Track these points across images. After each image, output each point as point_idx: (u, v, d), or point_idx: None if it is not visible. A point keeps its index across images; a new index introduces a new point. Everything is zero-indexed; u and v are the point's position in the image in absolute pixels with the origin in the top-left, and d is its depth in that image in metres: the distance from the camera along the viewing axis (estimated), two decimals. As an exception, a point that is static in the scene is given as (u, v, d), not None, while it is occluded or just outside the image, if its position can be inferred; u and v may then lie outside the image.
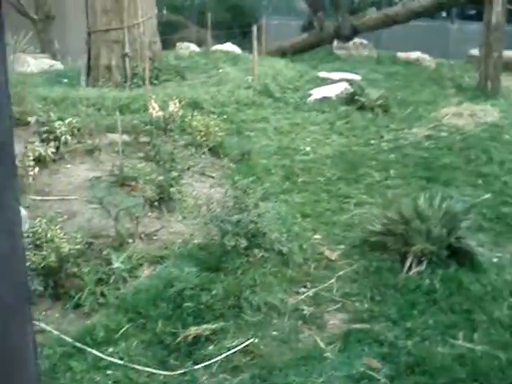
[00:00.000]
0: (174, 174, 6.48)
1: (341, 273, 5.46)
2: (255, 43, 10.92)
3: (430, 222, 5.57)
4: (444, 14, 18.19)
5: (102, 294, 5.05)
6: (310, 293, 5.18)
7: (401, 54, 14.11)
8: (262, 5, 19.19)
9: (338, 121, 9.43)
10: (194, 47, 14.62)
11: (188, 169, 7.18)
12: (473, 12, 17.32)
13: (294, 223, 6.10)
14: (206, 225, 5.43)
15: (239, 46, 14.43)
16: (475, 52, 13.37)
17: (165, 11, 19.46)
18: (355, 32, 14.35)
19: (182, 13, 19.36)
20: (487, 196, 7.11)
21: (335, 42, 14.41)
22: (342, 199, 6.97)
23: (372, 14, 14.94)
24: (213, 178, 7.28)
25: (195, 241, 5.67)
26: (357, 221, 6.40)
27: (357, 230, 6.17)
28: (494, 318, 4.85)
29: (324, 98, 10.18)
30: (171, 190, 6.31)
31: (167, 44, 13.88)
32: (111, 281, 5.17)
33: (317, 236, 6.07)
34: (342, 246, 5.91)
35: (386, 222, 5.67)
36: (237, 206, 5.27)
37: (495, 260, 6.11)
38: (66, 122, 7.54)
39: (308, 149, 8.34)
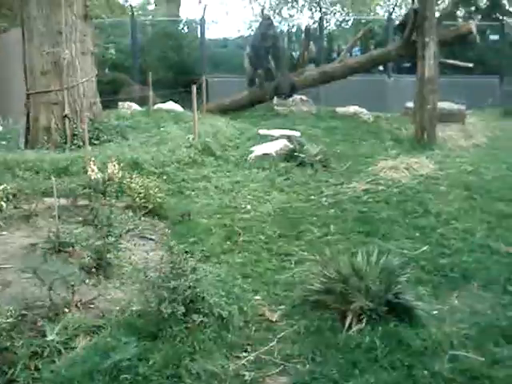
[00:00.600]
0: (112, 238, 6.38)
1: (282, 334, 5.40)
2: (195, 102, 11.02)
3: (368, 279, 5.60)
4: (381, 67, 18.84)
5: (37, 369, 4.85)
6: (251, 357, 5.09)
7: (340, 109, 14.48)
8: (203, 63, 19.43)
9: (279, 177, 9.52)
10: (136, 106, 14.67)
11: (127, 232, 7.09)
12: (408, 65, 17.97)
13: (235, 285, 6.04)
14: (142, 292, 5.32)
15: (181, 104, 14.56)
16: (411, 104, 13.82)
17: (107, 70, 19.54)
18: (294, 89, 14.66)
19: (124, 71, 19.45)
20: (425, 248, 7.23)
21: (275, 99, 14.68)
22: (282, 257, 6.97)
23: (310, 71, 15.31)
24: (152, 240, 7.20)
25: (133, 308, 5.53)
26: (298, 279, 6.39)
27: (297, 288, 6.15)
28: (435, 372, 4.86)
29: (264, 155, 10.30)
30: (108, 255, 6.20)
31: (110, 103, 13.89)
32: (46, 354, 4.97)
33: (257, 297, 6.02)
34: (283, 307, 5.87)
35: (325, 281, 5.68)
36: (174, 272, 5.19)
37: (435, 312, 6.17)
38: (1, 187, 7.38)
39: (249, 207, 8.36)
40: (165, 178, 8.85)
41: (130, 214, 7.38)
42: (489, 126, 14.64)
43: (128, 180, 8.07)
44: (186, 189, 8.83)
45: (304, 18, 25.37)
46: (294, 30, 23.06)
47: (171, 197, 8.37)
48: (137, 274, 5.95)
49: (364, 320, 5.35)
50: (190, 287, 5.13)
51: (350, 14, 23.96)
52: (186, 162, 9.79)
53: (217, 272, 6.18)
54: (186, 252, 6.41)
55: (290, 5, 25.68)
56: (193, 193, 8.73)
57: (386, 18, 21.85)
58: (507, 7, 27.76)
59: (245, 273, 6.50)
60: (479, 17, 25.98)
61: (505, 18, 24.97)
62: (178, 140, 10.63)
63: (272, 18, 18.22)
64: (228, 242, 7.25)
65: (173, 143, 10.40)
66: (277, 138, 11.16)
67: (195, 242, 7.10)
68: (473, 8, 26.75)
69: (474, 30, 13.46)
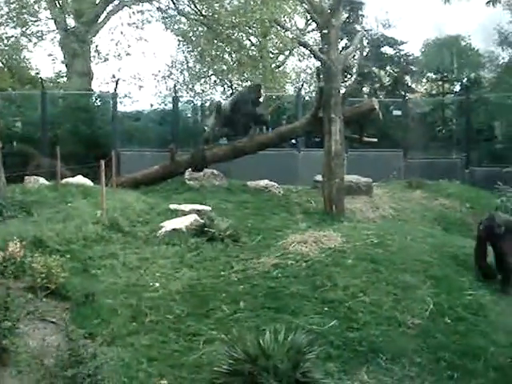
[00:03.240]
0: (8, 323, 6.02)
1: (186, 421, 5.21)
2: (103, 176, 10.85)
3: (276, 358, 5.54)
4: (293, 141, 19.32)
5: None
6: None
7: (251, 183, 14.64)
8: (115, 136, 19.33)
9: (189, 253, 9.40)
10: (43, 180, 14.28)
11: (26, 315, 6.72)
12: (318, 139, 18.53)
13: (139, 369, 5.82)
14: (38, 382, 5.01)
15: (92, 178, 14.30)
16: (320, 178, 14.16)
17: (15, 143, 19.05)
18: (206, 163, 14.77)
19: (34, 145, 19.00)
20: (333, 323, 7.26)
21: (187, 173, 14.71)
22: (190, 337, 6.80)
23: (222, 146, 15.52)
24: (53, 323, 6.84)
25: (29, 399, 5.20)
26: (206, 361, 6.24)
27: (205, 371, 6.00)
28: None
29: (174, 230, 10.17)
30: (4, 341, 5.83)
31: (16, 178, 13.47)
32: None
33: (163, 382, 5.81)
34: (190, 391, 5.69)
35: (232, 362, 5.56)
36: (72, 359, 4.93)
37: (345, 389, 6.16)
38: None
39: (157, 284, 8.16)
40: (69, 256, 8.50)
41: (30, 295, 7.01)
42: (394, 198, 15.18)
43: (30, 259, 7.71)
44: (91, 267, 8.53)
45: (217, 94, 25.95)
46: (206, 104, 23.39)
47: (76, 276, 8.04)
48: (34, 362, 5.61)
49: (272, 402, 5.25)
50: (89, 375, 4.89)
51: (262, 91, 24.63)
52: (92, 239, 9.50)
53: (121, 356, 5.95)
54: (89, 335, 6.16)
55: (202, 80, 26.21)
56: (99, 271, 8.44)
57: (295, 94, 22.60)
58: (409, 84, 29.54)
59: (151, 355, 6.28)
60: (383, 93, 27.46)
61: (407, 94, 26.48)
62: (86, 216, 10.34)
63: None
64: (134, 323, 7.02)
65: (80, 219, 10.10)
66: (187, 213, 11.09)
67: (99, 324, 6.83)
68: (377, 85, 28.25)
69: (377, 106, 14.11)
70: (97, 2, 23.47)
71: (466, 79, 28.73)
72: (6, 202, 11.02)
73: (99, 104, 22.18)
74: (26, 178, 14.22)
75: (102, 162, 11.02)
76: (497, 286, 8.77)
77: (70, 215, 10.49)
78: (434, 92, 30.42)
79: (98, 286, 7.85)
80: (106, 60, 25.12)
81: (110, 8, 23.83)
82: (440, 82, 30.18)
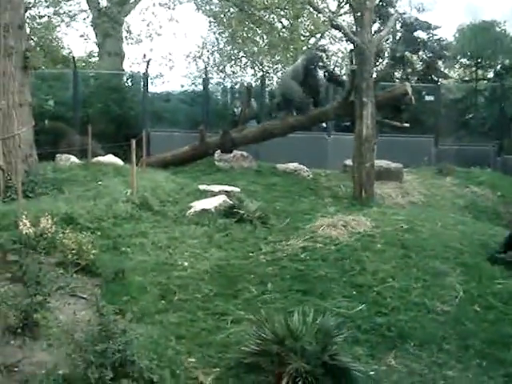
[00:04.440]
0: (40, 297, 6.11)
1: (215, 399, 5.24)
2: (134, 156, 10.91)
3: (304, 340, 5.53)
4: (324, 125, 19.19)
5: None
6: (181, 424, 4.91)
7: (280, 166, 14.60)
8: (146, 116, 19.40)
9: (217, 234, 9.43)
10: (74, 159, 14.41)
11: (57, 290, 6.82)
12: (348, 124, 18.38)
13: (168, 347, 5.86)
14: (69, 355, 5.08)
15: (123, 157, 14.39)
16: (350, 162, 14.06)
17: (47, 121, 19.23)
18: (235, 145, 14.75)
19: (66, 123, 19.18)
20: (362, 307, 7.24)
21: (216, 154, 14.72)
22: (218, 317, 6.83)
23: (251, 128, 15.47)
24: (84, 299, 6.93)
25: (60, 372, 5.27)
26: (233, 340, 6.26)
27: (233, 350, 6.02)
28: None
29: (203, 210, 10.21)
30: (35, 315, 5.92)
31: (48, 155, 13.62)
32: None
33: (191, 359, 5.84)
34: (217, 369, 5.72)
35: (260, 342, 5.57)
36: (103, 334, 4.98)
37: (372, 373, 6.14)
38: None
39: (186, 264, 8.21)
40: (99, 233, 8.61)
41: (61, 271, 7.11)
42: (425, 184, 15.02)
43: (61, 235, 7.82)
44: (121, 245, 8.60)
45: (247, 76, 25.85)
46: (237, 86, 23.33)
47: (106, 253, 8.13)
48: (65, 336, 5.68)
49: (300, 383, 5.25)
50: (119, 350, 4.93)
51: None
52: (122, 217, 9.56)
53: (150, 333, 6.00)
54: (118, 312, 6.21)
55: (233, 62, 26.13)
56: (128, 249, 8.51)
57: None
58: (442, 69, 29.08)
59: (179, 334, 6.32)
60: (415, 78, 27.08)
61: (440, 79, 26.08)
62: (116, 194, 10.42)
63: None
64: (163, 301, 7.08)
65: (110, 197, 10.18)
66: (216, 194, 11.11)
67: (128, 301, 6.89)
68: (409, 70, 27.85)
69: (410, 91, 13.91)
70: (129, -18, 23.50)
71: (500, 66, 28.16)
72: (38, 179, 11.17)
73: (130, 84, 22.26)
74: (58, 155, 14.36)
75: (133, 142, 11.08)
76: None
77: (101, 193, 10.59)
78: (467, 78, 29.89)
79: (128, 263, 7.91)
80: (138, 41, 25.18)
81: (142, -12, 23.86)
82: (473, 68, 29.63)
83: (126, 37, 24.85)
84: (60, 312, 6.38)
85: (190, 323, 6.60)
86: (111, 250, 8.39)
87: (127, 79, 22.52)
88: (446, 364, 6.58)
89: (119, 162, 13.97)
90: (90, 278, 7.44)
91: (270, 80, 24.26)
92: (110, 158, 14.14)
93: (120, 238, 8.83)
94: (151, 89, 21.32)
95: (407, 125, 14.57)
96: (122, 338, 5.03)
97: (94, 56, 27.19)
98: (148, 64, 20.27)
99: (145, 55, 24.44)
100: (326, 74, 14.55)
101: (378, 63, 23.02)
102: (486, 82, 27.84)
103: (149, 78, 20.51)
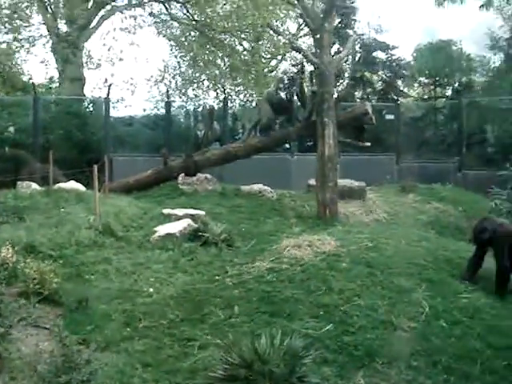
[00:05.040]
0: (1, 329, 5.96)
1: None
2: (96, 181, 10.80)
3: (272, 363, 5.49)
4: (287, 145, 19.30)
5: None
6: None
7: (244, 187, 14.59)
8: (108, 141, 19.25)
9: (183, 258, 9.36)
10: (35, 186, 14.17)
11: (19, 321, 6.66)
12: (311, 144, 18.52)
13: (134, 375, 5.77)
14: (32, 388, 4.96)
15: (85, 183, 14.21)
16: (313, 182, 14.13)
17: (7, 148, 18.93)
18: (199, 167, 14.71)
19: (26, 150, 18.90)
20: (329, 327, 7.23)
21: (180, 178, 14.65)
22: (185, 343, 6.75)
23: (214, 150, 15.47)
24: (47, 329, 6.77)
25: (22, 405, 5.14)
26: (201, 366, 6.19)
27: (200, 376, 5.95)
28: None
29: (168, 235, 10.13)
30: (-3, 348, 5.77)
31: (9, 183, 13.38)
32: None
33: (158, 387, 5.75)
34: (185, 396, 5.63)
35: (228, 367, 5.51)
36: (66, 365, 4.87)
37: (337, 394, 6.12)
38: None
39: (151, 290, 8.12)
40: (62, 261, 8.47)
41: (23, 301, 6.94)
42: (388, 202, 15.18)
43: (22, 264, 7.66)
44: (84, 273, 8.47)
45: (210, 99, 25.83)
46: (200, 109, 23.34)
47: (68, 281, 7.99)
48: (27, 368, 5.55)
49: (268, 407, 5.20)
50: (83, 381, 4.84)
51: (254, 95, 24.62)
52: (85, 244, 9.43)
53: (115, 362, 5.90)
54: (82, 341, 6.10)
55: (195, 85, 26.11)
56: (92, 277, 8.39)
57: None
58: (402, 88, 29.62)
59: (145, 361, 6.22)
60: (376, 97, 27.52)
61: (399, 98, 26.54)
62: (78, 221, 10.28)
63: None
64: (128, 329, 6.97)
65: (72, 224, 10.03)
66: (181, 218, 11.04)
67: (92, 330, 6.78)
68: (369, 89, 28.31)
69: (370, 110, 14.12)
70: (89, 7, 23.38)
71: (457, 83, 28.83)
72: (-1, 208, 10.96)
73: (92, 109, 22.09)
74: (19, 183, 14.11)
75: (95, 167, 10.97)
76: (492, 289, 8.74)
77: (63, 220, 10.43)
78: (425, 96, 30.50)
79: (92, 291, 7.79)
80: (98, 66, 24.99)
81: (102, 13, 23.73)
82: (432, 87, 30.26)
83: (86, 62, 24.63)
84: (22, 343, 6.22)
85: (156, 350, 6.51)
86: (74, 279, 8.25)
87: (88, 104, 22.34)
88: (415, 381, 6.60)
89: (81, 188, 13.78)
90: (52, 308, 7.30)
91: (232, 102, 24.32)
92: (72, 185, 13.94)
93: (83, 266, 8.70)
94: (113, 113, 21.25)
95: (368, 144, 14.75)
96: (86, 368, 4.93)
97: (54, 82, 26.89)
98: (109, 89, 20.19)
99: (106, 80, 24.24)
100: (274, 103, 14.86)
101: (338, 84, 23.34)
102: (444, 99, 28.44)
103: (110, 103, 20.42)
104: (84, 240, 9.55)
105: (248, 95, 25.23)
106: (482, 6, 22.78)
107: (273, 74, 26.58)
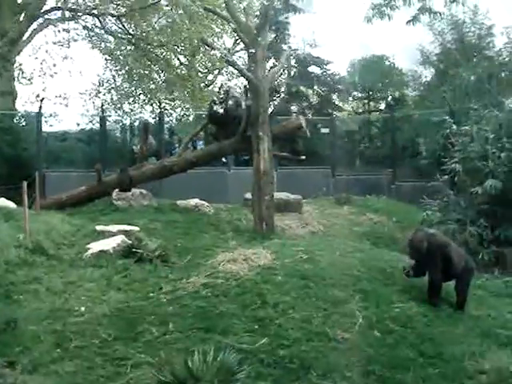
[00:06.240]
0: None
1: None
2: (25, 198, 10.52)
3: (205, 380, 5.44)
4: (224, 159, 19.31)
5: None
6: None
7: (180, 202, 14.50)
8: (39, 156, 18.81)
9: (116, 275, 9.16)
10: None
11: None
12: (247, 158, 18.59)
13: (63, 398, 5.59)
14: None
15: (16, 201, 13.80)
16: (250, 195, 14.16)
17: None
18: (133, 183, 14.53)
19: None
20: (264, 341, 7.21)
21: (114, 193, 14.42)
22: (117, 362, 6.60)
23: (150, 165, 15.33)
24: (-28, 353, 6.53)
25: None
26: (133, 386, 6.06)
27: (132, 396, 5.82)
28: None
29: (101, 252, 9.91)
30: None
31: None
32: None
33: (88, 409, 5.60)
34: (116, 418, 5.50)
35: (159, 386, 5.43)
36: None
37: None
38: None
39: (83, 309, 7.90)
40: (-11, 283, 8.20)
41: None
42: (324, 214, 15.38)
43: None
44: (13, 293, 8.20)
45: (146, 113, 25.63)
46: (136, 124, 23.13)
47: (-4, 303, 7.72)
48: None
49: (201, 425, 5.14)
50: (7, 407, 4.64)
51: (191, 110, 24.59)
52: (15, 263, 9.13)
53: (43, 384, 5.70)
54: (9, 364, 5.89)
55: (131, 99, 25.86)
56: (21, 297, 8.12)
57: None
58: (337, 102, 30.21)
59: (75, 383, 6.09)
60: (311, 111, 27.96)
61: (334, 112, 27.05)
62: (7, 239, 9.94)
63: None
64: (58, 350, 6.76)
65: (1, 243, 9.69)
66: (115, 234, 10.85)
67: (20, 352, 6.55)
68: (305, 103, 28.74)
69: (304, 124, 14.28)
70: (20, 20, 22.86)
71: (390, 97, 29.61)
72: None
73: (23, 124, 21.56)
74: None
75: (25, 184, 10.69)
76: (424, 298, 8.92)
77: (-9, 241, 10.09)
78: (360, 110, 31.20)
79: (21, 312, 7.54)
80: (30, 79, 24.43)
81: (34, 26, 23.25)
82: (366, 101, 30.98)
83: (18, 76, 24.04)
84: None
85: (87, 371, 6.34)
86: (3, 299, 7.98)
87: (20, 119, 21.79)
88: (349, 392, 6.65)
89: (11, 205, 13.38)
90: (-22, 331, 7.02)
91: (168, 117, 24.23)
92: (2, 202, 13.52)
93: (12, 286, 8.43)
94: (46, 128, 20.83)
95: (303, 157, 14.92)
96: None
97: (-17, 96, 26.11)
98: (41, 103, 19.80)
99: (38, 95, 23.70)
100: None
101: (274, 98, 23.61)
102: (378, 113, 29.15)
103: (43, 118, 20.00)
104: (13, 259, 9.26)
105: (184, 109, 25.27)
106: (409, 21, 23.47)
107: (210, 88, 26.67)
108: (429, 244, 8.95)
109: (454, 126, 14.70)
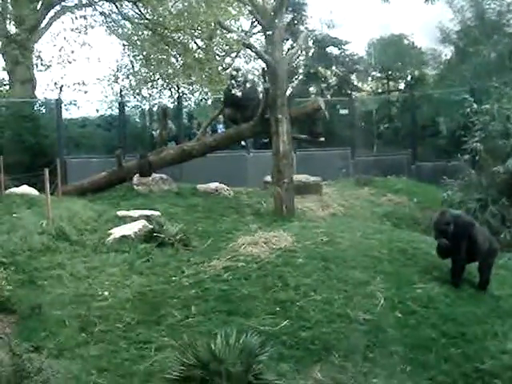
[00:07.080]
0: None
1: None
2: (47, 185, 10.63)
3: (228, 362, 5.50)
4: (243, 143, 19.29)
5: None
6: None
7: (200, 186, 14.51)
8: (60, 143, 18.94)
9: (138, 260, 9.26)
10: (-15, 192, 13.84)
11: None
12: (266, 140, 18.55)
13: (89, 381, 5.71)
14: (-19, 399, 4.85)
15: (39, 187, 13.95)
16: (270, 178, 14.16)
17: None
18: (154, 168, 14.57)
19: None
20: (285, 323, 7.27)
21: (135, 178, 14.48)
22: (141, 345, 6.71)
23: (169, 150, 15.34)
24: (0, 338, 6.65)
25: (-28, 418, 5.02)
26: (157, 368, 6.16)
27: (157, 378, 5.92)
28: None
29: (123, 237, 10.01)
30: None
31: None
32: None
33: (113, 392, 5.70)
34: (141, 400, 5.60)
35: (183, 369, 5.49)
36: (17, 374, 4.78)
37: (298, 388, 6.17)
38: None
39: (106, 293, 8.03)
40: (14, 268, 8.32)
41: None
42: (344, 196, 15.31)
43: (-29, 273, 7.51)
44: (38, 279, 8.34)
45: (164, 98, 25.69)
46: (154, 109, 23.15)
47: (21, 288, 7.87)
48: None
49: (226, 406, 5.21)
50: (35, 390, 4.75)
51: (209, 93, 24.57)
52: (38, 250, 9.28)
53: (69, 368, 5.82)
54: (35, 349, 6.00)
55: (149, 85, 25.93)
56: (45, 282, 8.26)
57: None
58: (355, 83, 29.97)
59: (100, 366, 6.17)
60: (330, 92, 27.76)
61: (353, 93, 26.82)
62: (31, 226, 10.08)
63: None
64: (82, 334, 6.89)
65: (24, 230, 9.84)
66: (136, 219, 10.93)
67: (46, 337, 6.68)
68: (324, 85, 28.54)
69: (323, 106, 14.18)
70: (38, 8, 22.95)
71: (409, 77, 29.26)
72: None
73: (43, 111, 21.70)
74: (-32, 190, 13.76)
75: (46, 171, 10.79)
76: (446, 278, 8.89)
77: (15, 226, 10.22)
78: (379, 90, 30.90)
79: (45, 297, 7.69)
80: (48, 67, 24.59)
81: (51, 14, 23.33)
82: (385, 81, 30.67)
83: (36, 63, 24.20)
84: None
85: (111, 354, 6.45)
86: (27, 285, 8.13)
87: (40, 106, 21.94)
88: (371, 372, 6.70)
89: (34, 192, 13.52)
90: (5, 316, 7.18)
91: (187, 101, 24.22)
92: (25, 189, 13.65)
93: (36, 272, 8.57)
94: (66, 115, 20.89)
95: (322, 139, 14.83)
96: (38, 376, 4.84)
97: (4, 84, 26.32)
98: (61, 90, 19.90)
99: (56, 82, 23.88)
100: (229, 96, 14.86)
101: (292, 80, 23.46)
102: (397, 93, 28.84)
103: (62, 105, 20.09)
104: (37, 245, 9.39)
105: (203, 93, 25.28)
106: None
107: (227, 71, 26.62)
108: (455, 226, 8.85)
109: (475, 105, 14.50)
